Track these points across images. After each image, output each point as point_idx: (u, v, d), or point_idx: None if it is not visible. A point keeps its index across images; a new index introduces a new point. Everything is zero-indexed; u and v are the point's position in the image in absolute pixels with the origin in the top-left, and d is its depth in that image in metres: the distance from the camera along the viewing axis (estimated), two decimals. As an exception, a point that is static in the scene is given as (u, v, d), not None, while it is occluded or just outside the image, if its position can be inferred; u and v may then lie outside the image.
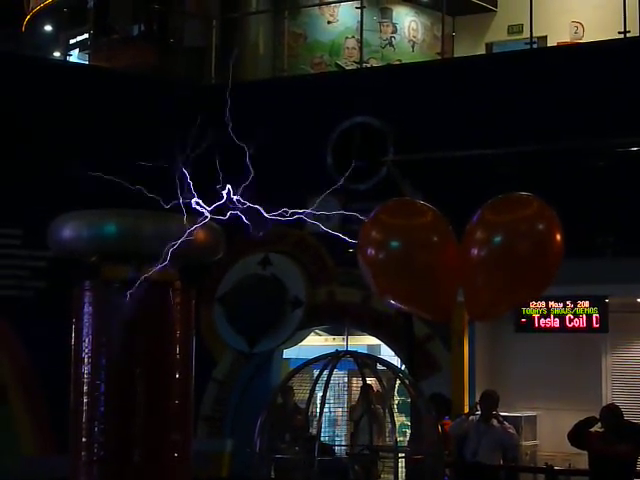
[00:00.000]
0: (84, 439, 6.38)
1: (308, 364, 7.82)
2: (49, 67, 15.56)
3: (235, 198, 6.71)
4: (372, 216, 7.99)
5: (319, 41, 16.85)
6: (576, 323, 13.00)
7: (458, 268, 7.70)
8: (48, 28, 19.04)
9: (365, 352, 11.85)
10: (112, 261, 6.76)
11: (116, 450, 6.35)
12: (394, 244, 7.74)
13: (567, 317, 13.03)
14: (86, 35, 17.77)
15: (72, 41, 18.40)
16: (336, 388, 14.84)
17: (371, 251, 7.77)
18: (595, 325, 12.92)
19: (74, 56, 18.23)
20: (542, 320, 13.16)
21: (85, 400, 6.39)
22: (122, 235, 6.48)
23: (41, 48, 18.53)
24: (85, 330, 6.47)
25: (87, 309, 6.51)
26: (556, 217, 7.63)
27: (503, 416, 11.54)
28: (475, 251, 7.59)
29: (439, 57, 16.15)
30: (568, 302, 13.01)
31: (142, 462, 6.31)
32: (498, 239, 7.55)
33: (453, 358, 13.51)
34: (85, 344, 6.45)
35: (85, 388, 6.41)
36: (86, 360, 6.44)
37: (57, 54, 18.43)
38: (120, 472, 6.36)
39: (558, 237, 7.54)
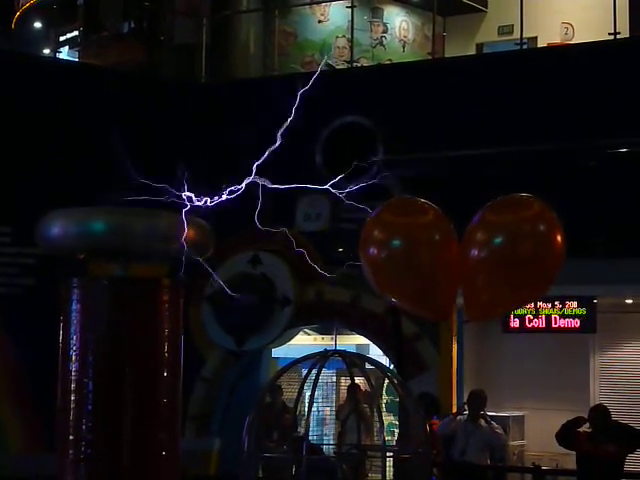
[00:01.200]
0: (71, 437, 6.35)
1: (296, 363, 7.82)
2: (39, 64, 15.52)
3: (225, 196, 6.70)
4: (374, 214, 7.98)
5: (310, 40, 16.84)
6: (564, 323, 13.03)
7: (459, 267, 7.70)
8: (38, 25, 18.99)
9: (354, 351, 11.86)
10: (100, 258, 6.75)
11: (103, 448, 6.33)
12: (396, 243, 7.74)
13: (555, 317, 13.06)
14: (76, 32, 17.73)
15: (62, 38, 18.36)
16: (324, 387, 14.87)
17: (373, 249, 7.77)
18: (583, 325, 12.96)
19: (64, 53, 18.18)
20: (530, 320, 13.19)
21: (72, 398, 6.37)
22: (110, 232, 6.46)
23: (31, 45, 18.48)
24: (73, 327, 6.45)
25: (75, 306, 6.49)
26: (557, 219, 7.62)
27: (491, 416, 11.56)
28: (475, 252, 7.58)
29: (430, 57, 16.16)
30: (556, 302, 13.04)
31: (129, 461, 6.30)
32: (499, 240, 7.55)
33: (441, 358, 13.53)
34: (73, 341, 6.43)
35: (72, 386, 6.39)
36: (74, 358, 6.42)
37: (47, 51, 18.38)
38: (107, 471, 6.34)
39: (559, 238, 7.54)
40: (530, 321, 13.20)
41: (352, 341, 15.38)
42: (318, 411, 14.69)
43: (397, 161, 13.44)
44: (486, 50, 17.51)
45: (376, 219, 7.94)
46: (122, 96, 14.35)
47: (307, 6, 16.82)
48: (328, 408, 15.08)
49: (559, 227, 7.57)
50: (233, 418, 13.26)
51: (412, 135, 13.61)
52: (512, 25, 16.40)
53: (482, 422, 11.16)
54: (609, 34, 13.33)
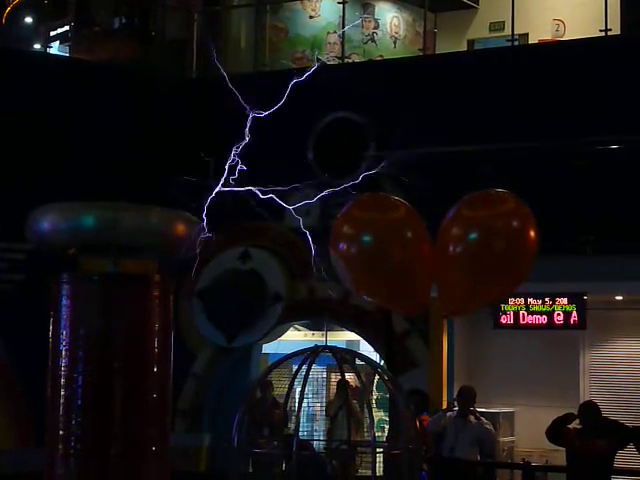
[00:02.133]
0: (61, 432, 6.35)
1: (286, 359, 7.81)
2: (29, 59, 15.47)
3: (215, 191, 6.69)
4: (345, 211, 7.99)
5: (301, 36, 16.82)
6: (554, 320, 13.04)
7: (431, 263, 7.71)
8: (29, 20, 18.92)
9: (344, 347, 11.85)
10: (90, 253, 6.74)
11: (93, 443, 6.33)
12: (366, 239, 7.74)
13: (546, 314, 13.07)
14: (67, 27, 17.67)
15: (53, 33, 18.30)
16: (315, 383, 14.85)
17: (343, 246, 7.77)
18: (573, 322, 12.97)
19: (54, 48, 18.12)
20: (521, 317, 13.20)
21: (62, 393, 6.37)
22: (100, 227, 6.45)
23: (22, 40, 18.41)
24: (62, 323, 6.45)
25: (65, 302, 6.48)
26: (531, 214, 7.64)
27: (481, 412, 11.58)
28: (450, 247, 7.60)
29: (421, 53, 16.16)
30: (547, 299, 13.05)
31: (119, 456, 6.30)
32: (473, 235, 7.56)
33: (432, 354, 13.54)
34: (62, 337, 6.43)
35: (62, 381, 6.39)
36: (63, 353, 6.42)
37: (37, 46, 18.32)
38: (97, 466, 6.34)
39: (532, 234, 7.56)
40: (520, 317, 13.21)
41: (342, 337, 15.38)
42: (308, 407, 14.69)
43: (388, 157, 13.45)
44: (477, 46, 17.52)
45: (346, 216, 7.96)
46: (113, 91, 14.33)
47: (298, 1, 16.78)
48: (318, 404, 15.07)
49: (533, 223, 7.59)
50: (224, 414, 13.27)
51: (403, 131, 13.61)
52: (503, 22, 16.41)
53: (472, 418, 11.18)
54: (600, 31, 13.34)
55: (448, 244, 7.64)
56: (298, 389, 7.65)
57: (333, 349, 7.70)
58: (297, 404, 7.60)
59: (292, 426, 7.94)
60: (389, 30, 17.46)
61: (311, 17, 16.89)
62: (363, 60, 16.59)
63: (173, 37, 16.13)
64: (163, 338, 6.59)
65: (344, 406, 9.67)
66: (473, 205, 7.82)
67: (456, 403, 11.45)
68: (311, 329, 16.00)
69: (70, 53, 17.22)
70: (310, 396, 14.41)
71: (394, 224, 7.86)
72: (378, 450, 7.58)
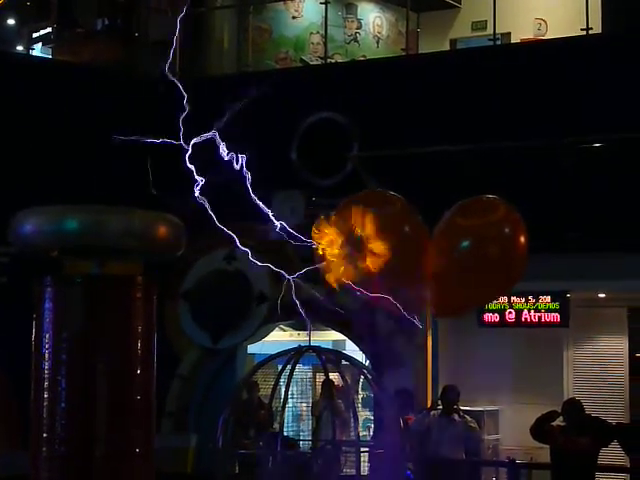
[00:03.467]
0: (45, 435, 6.34)
1: (270, 359, 7.85)
2: (12, 61, 15.44)
3: (197, 193, 6.68)
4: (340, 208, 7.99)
5: (284, 36, 16.83)
6: (538, 318, 13.10)
7: (428, 260, 7.73)
8: (11, 22, 18.89)
9: (329, 347, 11.88)
10: (74, 256, 6.73)
11: (77, 446, 6.32)
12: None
13: (529, 312, 13.14)
14: (49, 29, 17.65)
15: (35, 35, 18.28)
16: (300, 383, 14.89)
17: None
18: (556, 320, 13.04)
19: (37, 50, 18.10)
20: (504, 315, 13.26)
21: (46, 396, 6.36)
22: (84, 230, 6.44)
23: (4, 42, 18.39)
24: (46, 326, 6.44)
25: (48, 305, 6.47)
26: (521, 220, 7.71)
27: (466, 410, 11.62)
28: (444, 253, 7.63)
29: (403, 53, 16.19)
30: (530, 297, 13.12)
31: (104, 458, 6.29)
32: (467, 243, 7.61)
33: (416, 353, 13.55)
34: (46, 340, 6.42)
35: (46, 384, 6.38)
36: (47, 356, 6.41)
37: (20, 48, 18.29)
38: (82, 468, 6.33)
39: (522, 240, 7.64)
40: (504, 315, 13.27)
41: (328, 337, 15.40)
42: (294, 407, 14.71)
43: (371, 157, 13.49)
44: (460, 46, 17.57)
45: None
46: (96, 93, 14.31)
47: (281, 2, 16.79)
48: (304, 404, 15.11)
49: (523, 229, 7.67)
50: (209, 415, 13.26)
51: (387, 131, 13.65)
52: (485, 21, 16.45)
53: (456, 417, 11.22)
54: (581, 30, 13.40)
55: (442, 251, 7.68)
56: (283, 389, 7.68)
57: (317, 349, 7.74)
58: (282, 404, 7.63)
59: (278, 426, 7.97)
60: (372, 30, 17.49)
61: (294, 17, 16.90)
62: (346, 60, 16.62)
63: (156, 38, 16.11)
64: (146, 339, 6.58)
65: (329, 406, 9.70)
66: (465, 213, 7.87)
67: (439, 402, 11.49)
68: (297, 329, 16.01)
69: (53, 55, 17.20)
70: (296, 396, 14.46)
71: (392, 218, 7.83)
72: (362, 449, 7.62)
